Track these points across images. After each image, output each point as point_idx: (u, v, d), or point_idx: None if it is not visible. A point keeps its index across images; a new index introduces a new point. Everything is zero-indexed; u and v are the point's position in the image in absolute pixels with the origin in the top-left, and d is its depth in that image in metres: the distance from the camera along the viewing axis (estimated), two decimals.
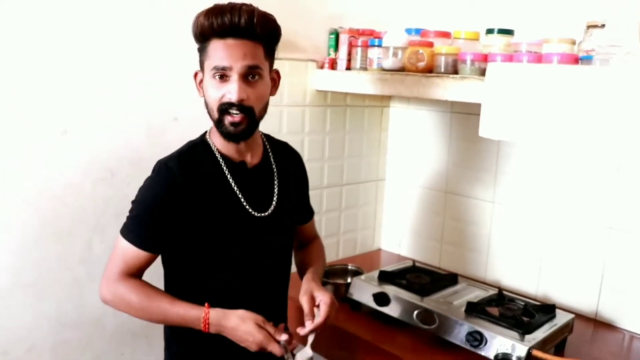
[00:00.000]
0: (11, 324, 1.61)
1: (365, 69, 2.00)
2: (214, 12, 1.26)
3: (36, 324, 1.65)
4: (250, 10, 1.26)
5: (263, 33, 1.28)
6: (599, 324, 1.87)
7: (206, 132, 1.43)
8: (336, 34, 2.11)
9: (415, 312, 1.72)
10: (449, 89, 1.64)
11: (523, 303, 1.79)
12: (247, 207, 1.38)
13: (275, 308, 1.51)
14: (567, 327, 1.70)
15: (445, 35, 1.81)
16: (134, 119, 1.75)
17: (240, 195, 1.37)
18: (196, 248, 1.35)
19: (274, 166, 1.47)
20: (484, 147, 2.10)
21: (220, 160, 1.37)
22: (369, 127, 2.41)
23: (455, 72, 1.68)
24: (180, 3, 1.76)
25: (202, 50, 1.31)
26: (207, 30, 1.26)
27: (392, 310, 1.78)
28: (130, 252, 1.33)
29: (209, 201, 1.33)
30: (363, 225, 2.47)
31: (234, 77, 1.26)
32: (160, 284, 1.43)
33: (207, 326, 1.27)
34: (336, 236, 2.38)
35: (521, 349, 1.49)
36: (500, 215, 2.11)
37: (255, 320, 1.27)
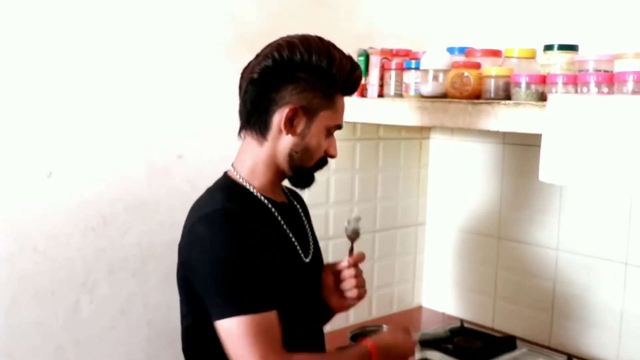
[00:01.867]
0: None
1: (400, 95, 1.99)
2: (345, 69, 1.35)
3: None
4: (360, 67, 1.41)
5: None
6: None
7: (226, 174, 1.42)
8: (366, 56, 2.10)
9: None
10: (501, 117, 1.62)
11: None
12: (299, 249, 1.42)
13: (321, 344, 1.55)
14: None
15: (495, 54, 1.80)
16: (132, 157, 1.76)
17: (293, 239, 1.41)
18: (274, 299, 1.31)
19: (295, 204, 1.52)
20: (544, 184, 2.03)
21: (272, 208, 1.39)
22: (406, 163, 2.41)
23: (508, 97, 1.66)
24: (186, 29, 1.81)
25: (324, 94, 1.35)
26: (340, 84, 1.36)
27: None
28: (270, 322, 1.22)
29: (274, 247, 1.34)
30: (400, 278, 2.46)
31: (334, 135, 1.41)
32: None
33: (376, 355, 1.36)
34: (369, 291, 2.31)
35: None
36: (566, 264, 2.07)
37: (403, 328, 1.47)
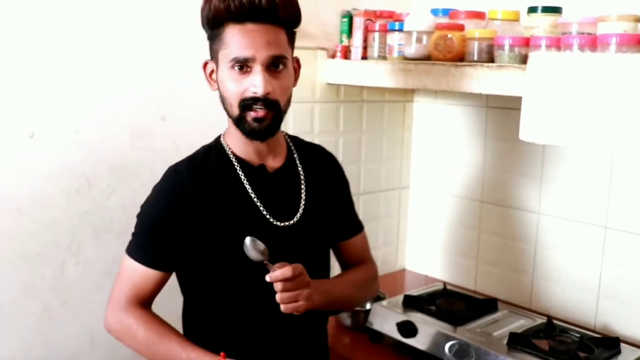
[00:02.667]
0: None
1: (384, 57, 2.00)
2: None
3: None
4: None
5: (286, 16, 1.30)
6: None
7: (221, 134, 1.45)
8: (349, 17, 2.11)
9: (448, 345, 1.71)
10: (484, 80, 1.63)
11: (579, 335, 1.77)
12: (267, 215, 1.38)
13: (311, 341, 1.49)
14: None
15: (479, 15, 1.81)
16: (115, 119, 1.76)
17: (258, 203, 1.38)
18: (211, 265, 1.37)
19: (300, 169, 1.47)
20: (527, 147, 2.08)
21: (236, 164, 1.39)
22: (390, 126, 2.41)
23: (491, 59, 1.67)
24: None
25: (214, 38, 1.32)
26: (223, 13, 1.26)
27: (420, 342, 1.78)
28: (138, 272, 1.35)
29: (223, 211, 1.36)
30: (384, 241, 2.47)
31: (257, 68, 1.26)
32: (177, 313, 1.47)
33: None
34: None
35: None
36: (548, 228, 2.09)
37: None
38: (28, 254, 1.65)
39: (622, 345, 1.71)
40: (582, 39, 1.48)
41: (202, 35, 1.75)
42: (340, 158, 2.19)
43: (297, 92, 2.11)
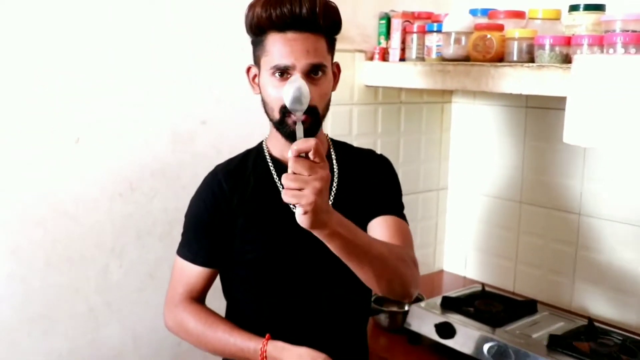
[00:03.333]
0: None
1: (422, 59, 2.00)
2: (271, 1, 1.28)
3: None
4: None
5: (326, 24, 1.30)
6: None
7: (263, 140, 1.48)
8: (387, 19, 2.10)
9: (487, 347, 1.70)
10: (524, 80, 1.62)
11: (621, 338, 1.74)
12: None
13: (350, 342, 1.48)
14: None
15: (519, 15, 1.79)
16: (157, 124, 1.79)
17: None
18: (247, 261, 1.40)
19: (335, 169, 1.47)
20: (568, 148, 2.04)
21: (271, 165, 1.42)
22: (428, 127, 2.40)
23: (532, 59, 1.67)
24: (213, 8, 1.83)
25: (257, 44, 1.34)
26: (265, 21, 1.28)
27: (458, 343, 1.77)
28: (186, 270, 1.42)
29: (256, 209, 1.39)
30: (422, 242, 2.45)
31: (297, 75, 1.28)
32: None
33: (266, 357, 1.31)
34: None
35: None
36: (589, 229, 2.06)
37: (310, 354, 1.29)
38: (73, 257, 1.68)
39: None
40: (627, 36, 1.45)
41: (241, 40, 1.74)
42: None
43: (335, 95, 2.12)
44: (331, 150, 1.49)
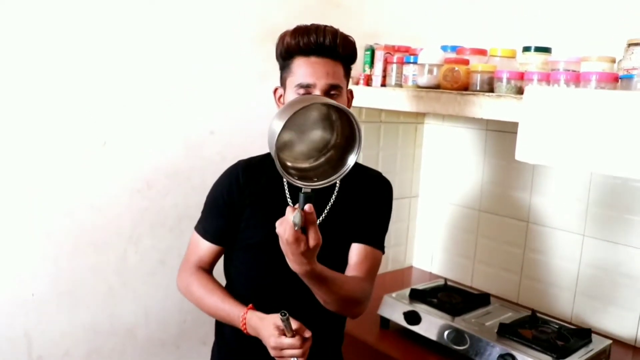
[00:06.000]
0: (47, 330, 1.64)
1: (400, 85, 1.98)
2: (300, 31, 1.31)
3: (71, 331, 1.68)
4: (334, 31, 1.32)
5: (344, 53, 1.33)
6: (639, 351, 1.81)
7: None
8: (372, 50, 2.10)
9: (446, 332, 1.71)
10: (485, 107, 1.62)
11: (557, 326, 1.76)
12: None
13: (328, 329, 1.47)
14: (604, 354, 1.66)
15: (482, 52, 1.79)
16: (172, 133, 1.79)
17: (290, 202, 1.39)
18: (248, 245, 1.41)
19: (337, 184, 1.42)
20: (519, 165, 2.06)
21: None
22: (403, 143, 2.40)
23: (491, 90, 1.66)
24: (219, 18, 1.81)
25: (284, 67, 1.36)
26: (293, 48, 1.31)
27: (423, 329, 1.77)
28: (199, 244, 1.44)
29: (262, 203, 1.39)
30: (395, 241, 2.45)
31: (317, 93, 1.29)
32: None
33: (245, 327, 1.31)
34: None
35: None
36: (535, 234, 2.08)
37: (275, 322, 1.23)
38: (97, 242, 1.69)
39: (593, 335, 1.71)
40: (568, 75, 1.47)
41: (247, 59, 1.74)
42: None
43: None
44: None
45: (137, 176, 1.74)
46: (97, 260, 1.70)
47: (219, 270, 1.49)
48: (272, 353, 1.24)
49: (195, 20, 1.78)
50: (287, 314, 1.18)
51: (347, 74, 1.38)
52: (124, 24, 1.65)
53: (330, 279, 1.23)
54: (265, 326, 1.24)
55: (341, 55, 1.32)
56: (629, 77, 1.41)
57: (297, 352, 1.21)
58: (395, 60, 2.01)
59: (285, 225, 1.09)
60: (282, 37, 1.34)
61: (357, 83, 2.14)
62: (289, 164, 1.15)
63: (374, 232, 1.45)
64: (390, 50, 2.04)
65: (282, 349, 1.21)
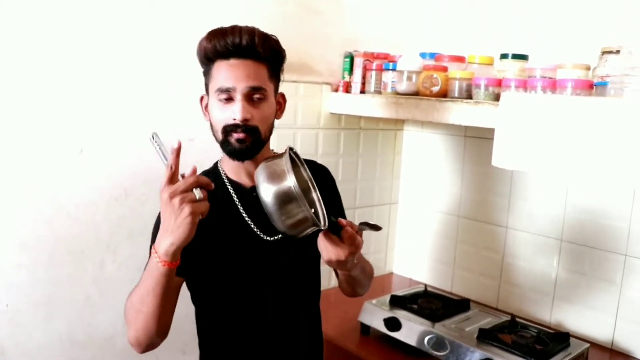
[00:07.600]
0: (22, 342, 1.61)
1: (379, 92, 2.00)
2: (215, 34, 1.26)
3: (47, 343, 1.65)
4: (251, 30, 1.26)
5: (266, 54, 1.27)
6: (615, 354, 1.83)
7: (218, 161, 1.41)
8: (351, 58, 2.12)
9: (427, 338, 1.71)
10: (463, 113, 1.63)
11: (536, 331, 1.78)
12: (257, 231, 1.32)
13: (305, 340, 1.43)
14: (582, 357, 1.68)
15: (460, 59, 1.81)
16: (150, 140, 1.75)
17: (249, 221, 1.33)
18: (209, 276, 1.32)
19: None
20: (498, 171, 2.08)
21: (229, 186, 1.34)
22: (383, 150, 2.41)
23: (469, 96, 1.68)
24: (194, 26, 1.76)
25: (206, 73, 1.30)
26: (210, 52, 1.26)
27: (403, 335, 1.77)
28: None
29: (216, 228, 1.30)
30: (375, 248, 2.46)
31: (238, 97, 1.23)
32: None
33: (161, 257, 1.13)
34: None
35: None
36: (514, 240, 2.10)
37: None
38: (74, 251, 1.67)
39: (572, 339, 1.73)
40: (544, 82, 1.50)
41: None
42: (339, 177, 2.20)
43: (304, 120, 2.16)
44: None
45: (114, 183, 1.72)
46: (74, 270, 1.68)
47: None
48: (170, 206, 1.12)
49: (174, 27, 1.77)
50: (156, 134, 1.15)
51: (275, 76, 1.31)
52: (100, 31, 1.64)
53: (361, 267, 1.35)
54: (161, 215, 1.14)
55: (262, 55, 1.26)
56: (603, 84, 1.44)
57: (191, 181, 1.14)
58: (374, 67, 2.03)
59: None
60: (200, 42, 1.28)
61: (336, 90, 2.15)
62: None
63: (340, 215, 1.44)
64: (369, 57, 2.06)
65: (176, 193, 1.13)
